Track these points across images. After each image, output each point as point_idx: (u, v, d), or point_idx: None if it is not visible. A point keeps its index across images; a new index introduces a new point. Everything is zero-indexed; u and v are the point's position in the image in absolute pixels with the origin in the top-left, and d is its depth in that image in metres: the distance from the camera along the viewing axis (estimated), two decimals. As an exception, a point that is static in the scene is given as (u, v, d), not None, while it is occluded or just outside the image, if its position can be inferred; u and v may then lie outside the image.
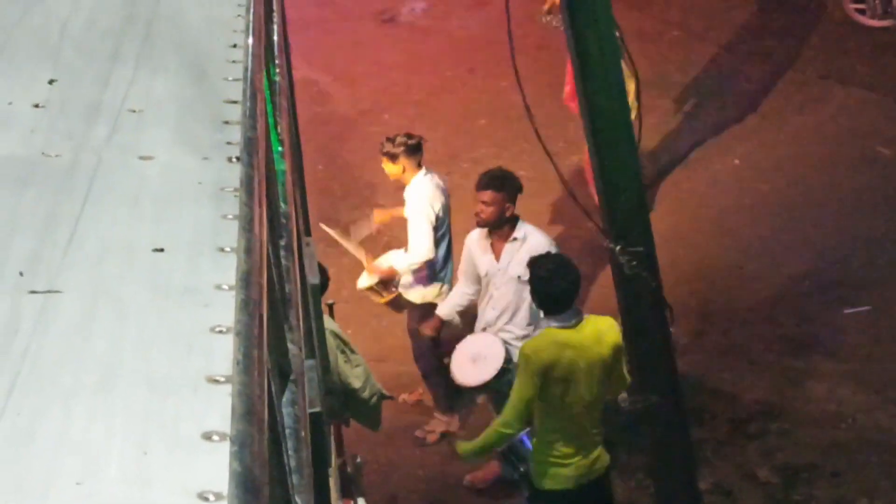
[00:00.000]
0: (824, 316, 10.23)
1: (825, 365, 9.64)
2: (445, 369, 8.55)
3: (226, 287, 1.64)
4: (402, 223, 9.17)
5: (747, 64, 12.92)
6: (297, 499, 2.45)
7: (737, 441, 8.92)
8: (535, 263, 7.23)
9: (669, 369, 5.61)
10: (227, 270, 1.68)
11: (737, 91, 11.86)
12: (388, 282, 9.16)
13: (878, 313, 10.11)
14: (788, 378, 9.54)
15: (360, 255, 9.37)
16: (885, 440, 8.79)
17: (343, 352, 7.55)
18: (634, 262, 5.31)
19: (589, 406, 6.81)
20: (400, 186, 9.19)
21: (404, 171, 8.98)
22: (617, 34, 5.53)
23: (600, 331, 6.76)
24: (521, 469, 7.40)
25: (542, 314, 7.12)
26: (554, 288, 6.99)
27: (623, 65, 6.21)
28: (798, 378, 9.54)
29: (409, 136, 9.08)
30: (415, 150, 8.98)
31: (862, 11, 14.41)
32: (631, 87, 6.56)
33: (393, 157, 8.98)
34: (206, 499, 1.25)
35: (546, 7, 11.00)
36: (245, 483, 1.32)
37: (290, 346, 2.92)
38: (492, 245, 8.36)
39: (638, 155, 5.33)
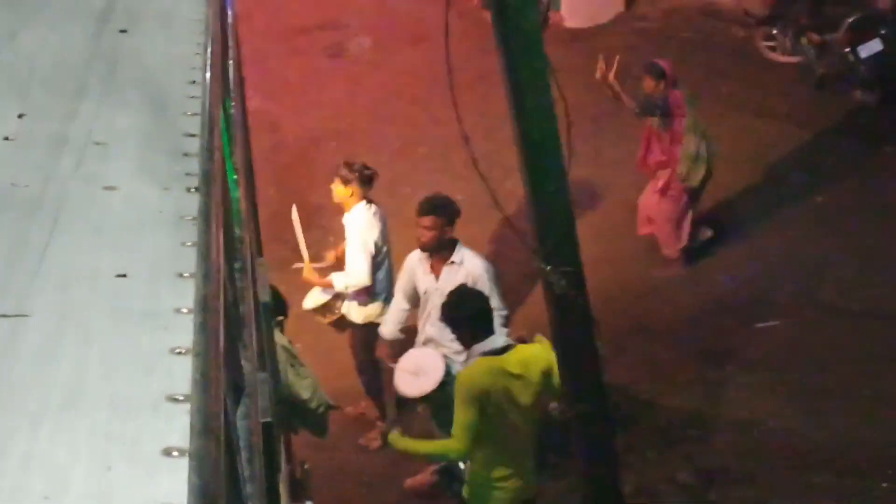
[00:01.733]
0: (738, 331, 10.32)
1: (739, 375, 9.73)
2: (387, 381, 8.59)
3: (185, 310, 1.63)
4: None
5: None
6: (248, 495, 2.45)
7: (659, 447, 8.97)
8: (445, 302, 7.35)
9: (597, 380, 5.63)
10: (186, 295, 1.68)
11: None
12: (331, 304, 9.19)
13: (786, 327, 10.20)
14: (706, 388, 9.61)
15: (304, 255, 9.40)
16: (793, 444, 8.86)
17: (293, 365, 7.54)
18: (564, 282, 5.32)
19: (522, 430, 6.84)
20: (341, 211, 9.18)
21: (351, 195, 8.98)
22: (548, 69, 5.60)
23: (528, 358, 6.81)
24: (454, 488, 7.44)
25: (481, 341, 7.12)
26: (462, 312, 7.06)
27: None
28: (714, 388, 9.62)
29: (367, 167, 9.09)
30: (367, 181, 9.00)
31: (773, 49, 14.59)
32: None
33: (346, 182, 8.98)
34: (172, 455, 1.25)
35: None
36: (203, 495, 1.32)
37: (243, 362, 2.92)
38: (432, 266, 8.38)
39: (567, 182, 5.33)
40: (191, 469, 1.33)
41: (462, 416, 6.79)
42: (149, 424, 1.38)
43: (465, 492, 7.15)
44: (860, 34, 13.49)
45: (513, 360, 6.80)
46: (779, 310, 10.44)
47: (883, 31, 13.45)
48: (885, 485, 8.36)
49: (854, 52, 13.48)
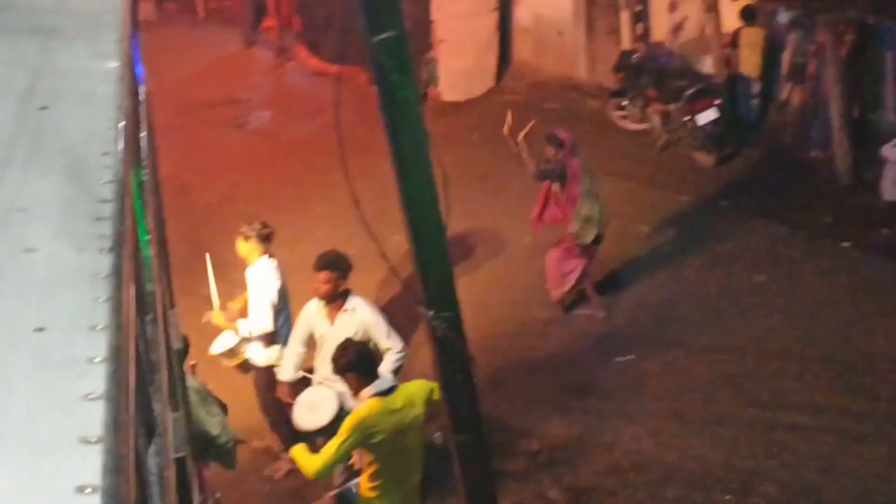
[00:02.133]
0: (598, 365, 10.41)
1: (600, 404, 9.80)
2: (288, 417, 8.54)
3: (98, 360, 1.62)
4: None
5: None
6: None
7: (531, 469, 9.00)
8: (333, 355, 7.35)
9: (474, 412, 5.63)
10: (100, 345, 1.66)
11: (526, 182, 11.99)
12: (236, 349, 9.14)
13: (640, 361, 10.33)
14: (571, 416, 9.66)
15: (215, 299, 9.33)
16: (647, 463, 8.95)
17: (204, 405, 7.48)
18: (444, 325, 5.33)
19: (409, 459, 6.84)
20: (244, 265, 9.16)
21: (253, 251, 8.96)
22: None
23: (411, 394, 6.88)
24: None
25: (365, 388, 7.14)
26: (346, 361, 7.08)
27: None
28: (579, 416, 9.67)
29: (265, 225, 9.05)
30: (266, 238, 8.97)
31: (624, 117, 14.85)
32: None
33: (247, 238, 8.94)
34: (84, 492, 1.24)
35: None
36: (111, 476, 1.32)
37: (155, 404, 2.88)
38: (328, 314, 8.37)
39: (445, 236, 5.35)
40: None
41: (334, 444, 6.80)
42: (64, 463, 1.37)
43: None
44: (698, 104, 13.79)
45: (398, 398, 6.84)
46: (634, 346, 10.56)
47: (717, 102, 13.76)
48: (727, 497, 8.47)
49: (693, 120, 13.77)
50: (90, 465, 1.37)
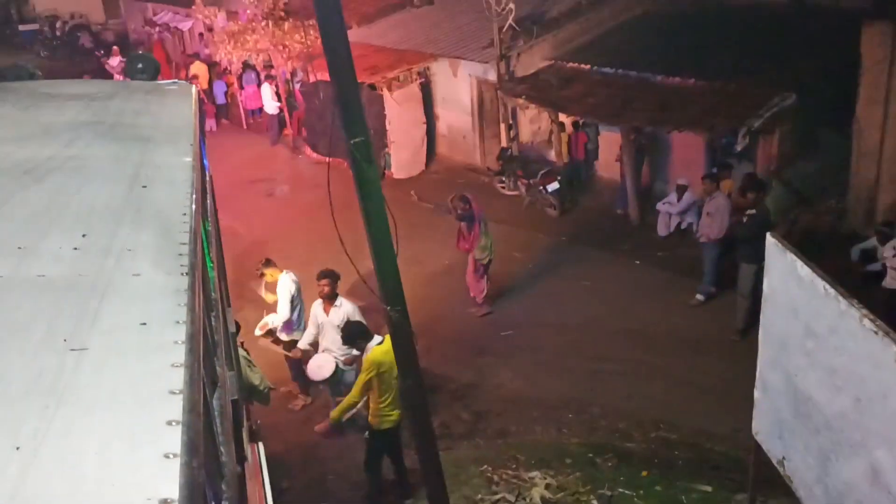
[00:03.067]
0: (491, 336, 10.45)
1: (492, 361, 9.84)
2: (303, 372, 8.46)
3: (180, 342, 1.60)
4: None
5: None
6: (223, 448, 2.37)
7: (449, 401, 9.01)
8: (346, 325, 7.37)
9: (415, 368, 5.60)
10: (181, 333, 1.65)
11: (442, 227, 12.02)
12: (271, 330, 9.05)
13: (516, 334, 10.39)
14: (476, 367, 9.69)
15: (262, 294, 9.39)
16: (520, 396, 9.04)
17: (249, 365, 7.38)
18: (396, 314, 5.29)
19: (394, 382, 6.80)
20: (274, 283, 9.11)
21: (273, 273, 9.05)
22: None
23: (390, 345, 6.85)
24: (358, 423, 7.50)
25: (369, 342, 7.18)
26: (353, 333, 7.15)
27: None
28: (481, 367, 9.71)
29: (267, 260, 9.15)
30: (269, 264, 9.09)
31: (503, 187, 14.94)
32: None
33: (266, 267, 9.09)
34: (168, 457, 1.22)
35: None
36: (190, 445, 1.29)
37: (217, 368, 2.84)
38: (324, 308, 8.30)
39: (395, 258, 5.32)
40: (182, 431, 1.31)
41: (362, 378, 6.85)
42: (157, 411, 1.36)
43: (370, 420, 7.09)
44: (547, 179, 13.92)
45: (385, 345, 6.81)
46: (513, 325, 10.61)
47: (559, 177, 13.91)
48: (570, 415, 8.53)
49: (545, 188, 13.90)
50: (175, 408, 1.36)
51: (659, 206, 12.59)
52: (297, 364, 8.93)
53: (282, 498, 7.34)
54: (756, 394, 5.47)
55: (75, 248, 2.08)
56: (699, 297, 10.71)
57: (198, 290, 1.97)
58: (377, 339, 7.08)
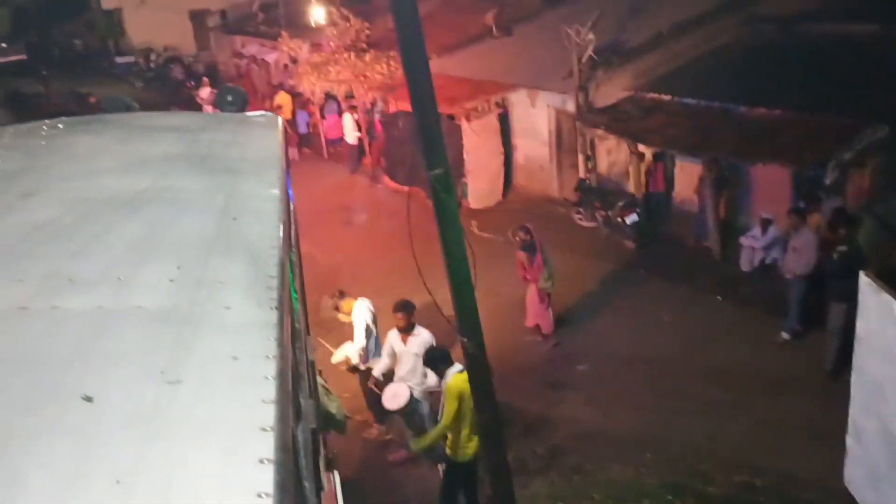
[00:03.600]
0: (566, 370, 10.29)
1: (570, 394, 9.69)
2: (378, 401, 8.49)
3: (271, 377, 1.61)
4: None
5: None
6: (305, 482, 2.39)
7: (525, 435, 8.88)
8: (430, 349, 7.42)
9: (492, 399, 5.56)
10: (272, 369, 1.66)
11: (510, 257, 11.99)
12: (346, 360, 9.14)
13: (591, 368, 10.21)
14: (550, 400, 9.55)
15: (343, 346, 9.37)
16: (597, 431, 8.85)
17: (326, 394, 7.43)
18: (472, 347, 5.28)
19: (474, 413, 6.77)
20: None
21: (348, 302, 9.11)
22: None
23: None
24: (437, 452, 7.46)
25: (448, 370, 7.17)
26: (435, 357, 7.10)
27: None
28: (555, 400, 9.56)
29: (341, 292, 9.25)
30: (342, 295, 9.17)
31: (581, 219, 14.80)
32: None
33: (343, 296, 9.16)
34: (261, 496, 1.25)
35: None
36: (281, 485, 1.30)
37: (301, 399, 2.86)
38: (402, 337, 8.34)
39: (473, 289, 5.31)
40: (275, 470, 1.32)
41: (449, 407, 6.88)
42: (250, 445, 1.37)
43: (448, 451, 7.06)
44: (625, 211, 13.74)
45: (465, 375, 6.79)
46: (587, 359, 10.44)
47: (638, 209, 13.71)
48: (648, 455, 8.30)
49: (623, 220, 13.71)
50: (266, 446, 1.37)
51: (743, 239, 12.23)
52: (373, 393, 8.97)
53: (355, 526, 7.35)
54: (848, 441, 5.23)
55: (171, 280, 2.13)
56: (784, 335, 10.32)
57: (286, 324, 1.99)
58: (457, 366, 7.05)
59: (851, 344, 5.23)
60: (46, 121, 4.66)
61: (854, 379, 5.03)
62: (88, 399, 1.42)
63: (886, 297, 4.51)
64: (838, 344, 9.00)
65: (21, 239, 2.34)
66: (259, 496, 1.20)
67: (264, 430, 1.40)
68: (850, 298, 7.85)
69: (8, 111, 21.38)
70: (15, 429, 1.31)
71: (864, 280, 4.87)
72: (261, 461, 1.30)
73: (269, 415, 1.45)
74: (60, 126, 4.55)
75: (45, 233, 2.41)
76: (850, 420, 5.14)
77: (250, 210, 2.88)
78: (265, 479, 1.25)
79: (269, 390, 1.54)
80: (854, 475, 5.13)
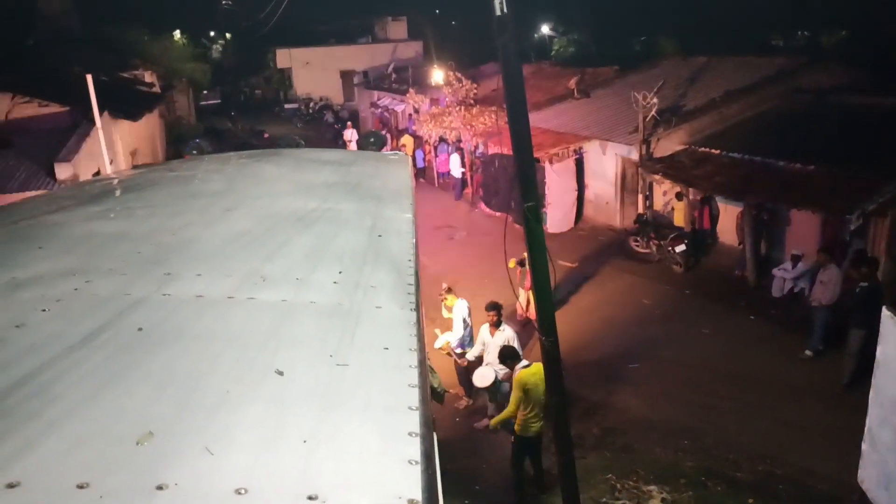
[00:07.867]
0: (622, 366, 9.98)
1: (623, 387, 9.38)
2: (469, 379, 8.45)
3: (413, 366, 1.61)
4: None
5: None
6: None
7: (584, 416, 8.65)
8: (503, 348, 7.26)
9: (561, 386, 5.44)
10: (414, 358, 1.66)
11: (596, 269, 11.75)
12: (446, 346, 9.13)
13: (644, 366, 9.86)
14: (606, 390, 9.27)
15: (444, 334, 9.35)
16: (643, 418, 8.50)
17: (431, 372, 7.47)
18: (549, 343, 5.19)
19: (541, 399, 6.64)
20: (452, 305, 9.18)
21: (453, 299, 9.05)
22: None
23: (538, 368, 6.67)
24: (510, 426, 7.23)
25: (517, 364, 7.01)
26: (511, 351, 6.96)
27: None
28: (612, 391, 9.27)
29: (449, 288, 9.16)
30: (450, 291, 9.10)
31: (637, 245, 14.36)
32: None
33: (449, 293, 9.10)
34: (411, 463, 1.23)
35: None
36: (426, 455, 1.31)
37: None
38: (491, 331, 8.29)
39: (553, 297, 5.22)
40: (421, 442, 1.31)
41: (515, 395, 6.74)
42: (402, 420, 1.36)
43: (516, 428, 6.95)
44: (676, 241, 13.25)
45: (533, 368, 6.68)
46: (639, 359, 10.09)
47: (686, 241, 13.19)
48: (686, 441, 7.95)
49: (673, 249, 13.23)
50: (414, 422, 1.35)
51: (774, 271, 11.60)
52: (464, 371, 8.95)
53: (445, 477, 7.33)
54: (864, 446, 4.86)
55: (335, 282, 2.16)
56: (808, 352, 9.71)
57: (422, 323, 2.00)
58: (524, 362, 6.96)
59: (867, 364, 4.88)
60: (236, 152, 4.87)
61: (872, 396, 4.67)
62: (280, 373, 1.45)
63: (906, 329, 4.18)
64: (855, 363, 8.43)
65: (227, 243, 2.43)
66: (410, 463, 1.19)
67: (411, 408, 1.39)
68: (868, 326, 7.32)
69: (208, 141, 22.53)
70: (226, 396, 1.34)
71: (886, 313, 4.53)
72: (410, 434, 1.29)
73: (414, 397, 1.44)
74: (247, 157, 4.74)
75: (244, 240, 2.49)
76: (866, 429, 4.77)
77: (392, 230, 2.91)
78: (413, 449, 1.24)
79: (413, 376, 1.54)
80: (868, 476, 4.76)
